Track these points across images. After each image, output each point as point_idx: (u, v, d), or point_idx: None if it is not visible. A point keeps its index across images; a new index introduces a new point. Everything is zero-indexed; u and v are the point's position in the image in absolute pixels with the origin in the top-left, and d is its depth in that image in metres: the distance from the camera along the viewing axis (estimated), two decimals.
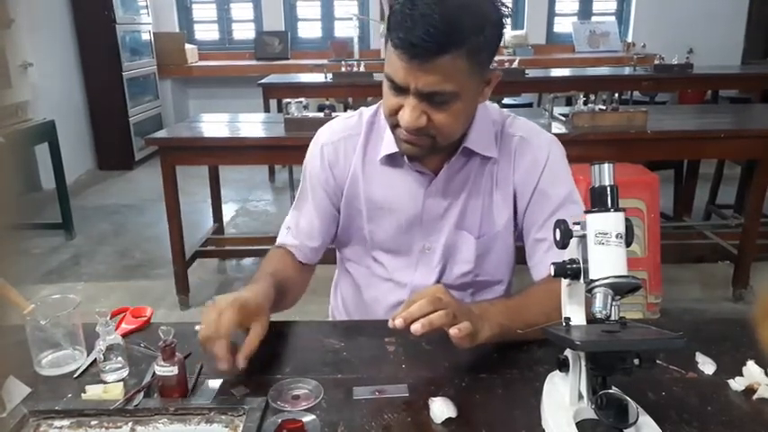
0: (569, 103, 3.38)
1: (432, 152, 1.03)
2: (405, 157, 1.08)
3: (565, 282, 0.82)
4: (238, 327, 0.89)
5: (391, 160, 1.11)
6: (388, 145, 1.09)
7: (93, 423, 0.83)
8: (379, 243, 1.16)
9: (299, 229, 1.17)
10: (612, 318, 0.75)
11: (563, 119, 2.67)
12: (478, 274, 1.16)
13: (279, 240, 1.20)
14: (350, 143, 1.14)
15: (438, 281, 1.14)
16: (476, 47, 0.91)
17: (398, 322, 0.84)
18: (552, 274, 0.80)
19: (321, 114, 2.60)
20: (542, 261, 1.08)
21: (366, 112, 1.16)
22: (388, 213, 1.13)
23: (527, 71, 4.32)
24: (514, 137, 1.10)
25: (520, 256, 1.15)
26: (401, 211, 1.13)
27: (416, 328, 0.83)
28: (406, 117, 0.95)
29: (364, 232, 1.16)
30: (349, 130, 1.15)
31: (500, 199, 1.11)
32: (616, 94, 2.64)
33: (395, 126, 1.00)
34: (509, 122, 1.12)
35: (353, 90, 4.10)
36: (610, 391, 0.74)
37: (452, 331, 0.84)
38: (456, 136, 1.02)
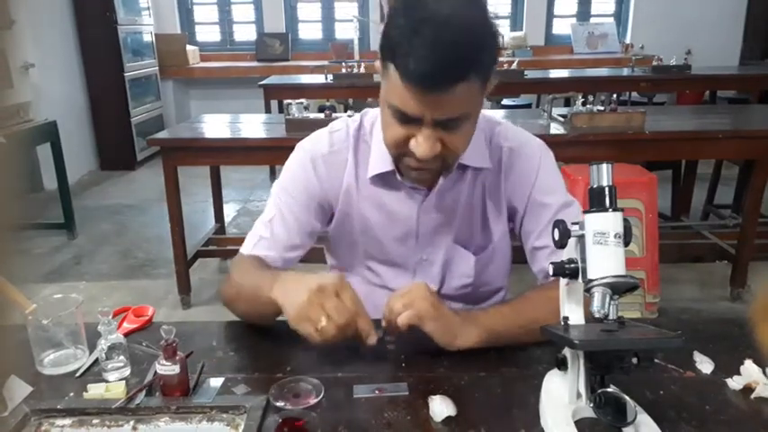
0: (568, 103, 3.38)
1: (438, 174, 1.01)
2: (397, 175, 1.05)
3: (563, 281, 0.82)
4: None
5: (382, 179, 1.07)
6: (377, 164, 1.06)
7: (94, 422, 0.83)
8: (374, 255, 1.14)
9: (275, 239, 1.08)
10: (611, 317, 0.75)
11: (562, 119, 2.67)
12: (478, 285, 1.15)
13: (249, 251, 1.09)
14: (341, 158, 1.09)
15: (438, 291, 1.12)
16: (486, 66, 0.88)
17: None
18: (551, 273, 0.81)
19: (322, 115, 2.61)
20: (545, 267, 1.07)
21: (351, 125, 1.11)
22: (381, 229, 1.11)
23: (526, 72, 4.33)
24: (503, 148, 1.08)
25: (518, 256, 1.15)
26: (395, 228, 1.10)
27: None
28: (422, 148, 0.90)
29: (358, 246, 1.14)
30: (338, 145, 1.09)
31: (494, 211, 1.10)
32: (614, 95, 2.64)
33: (401, 156, 0.97)
34: (497, 132, 1.09)
35: (354, 91, 4.11)
36: (608, 389, 0.75)
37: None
38: (464, 152, 1.00)
